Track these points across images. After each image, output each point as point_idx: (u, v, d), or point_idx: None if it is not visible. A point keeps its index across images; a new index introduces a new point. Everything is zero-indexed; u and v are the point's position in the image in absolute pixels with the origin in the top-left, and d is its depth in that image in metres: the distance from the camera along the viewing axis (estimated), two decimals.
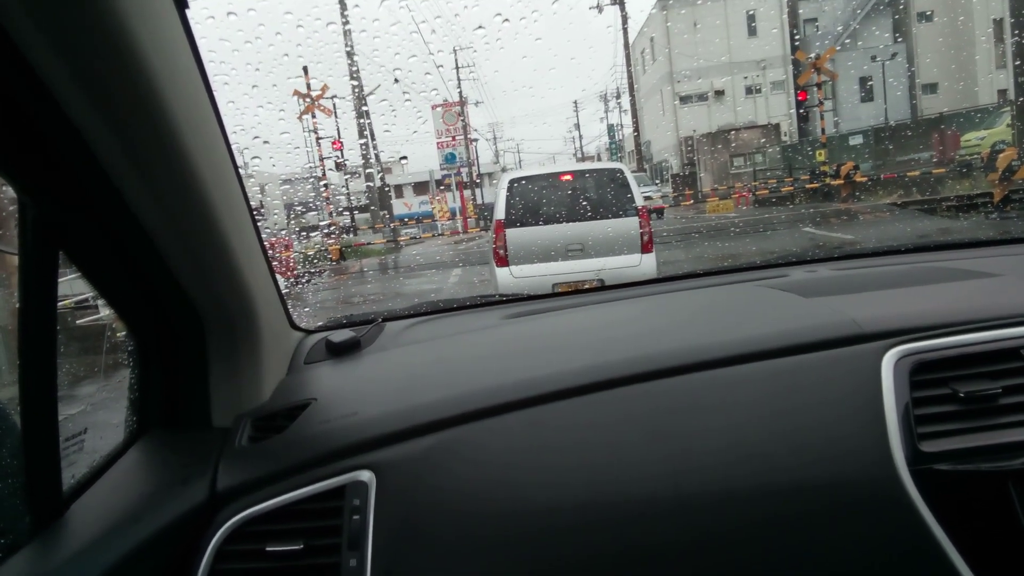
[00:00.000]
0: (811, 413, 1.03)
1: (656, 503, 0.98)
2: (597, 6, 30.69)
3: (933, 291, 1.37)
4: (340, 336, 1.52)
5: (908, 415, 0.98)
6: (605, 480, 1.00)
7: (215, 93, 1.00)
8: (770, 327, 1.23)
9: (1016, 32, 13.45)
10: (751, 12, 34.46)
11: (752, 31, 34.69)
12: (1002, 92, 27.50)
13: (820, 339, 1.13)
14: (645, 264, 6.49)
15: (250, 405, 1.27)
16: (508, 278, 6.50)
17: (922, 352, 1.05)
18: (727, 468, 0.99)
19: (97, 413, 1.33)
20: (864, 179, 18.45)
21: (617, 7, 30.22)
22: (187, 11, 0.90)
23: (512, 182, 6.92)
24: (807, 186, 19.80)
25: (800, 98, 25.39)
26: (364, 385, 1.37)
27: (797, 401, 1.05)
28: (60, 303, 0.94)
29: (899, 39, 32.07)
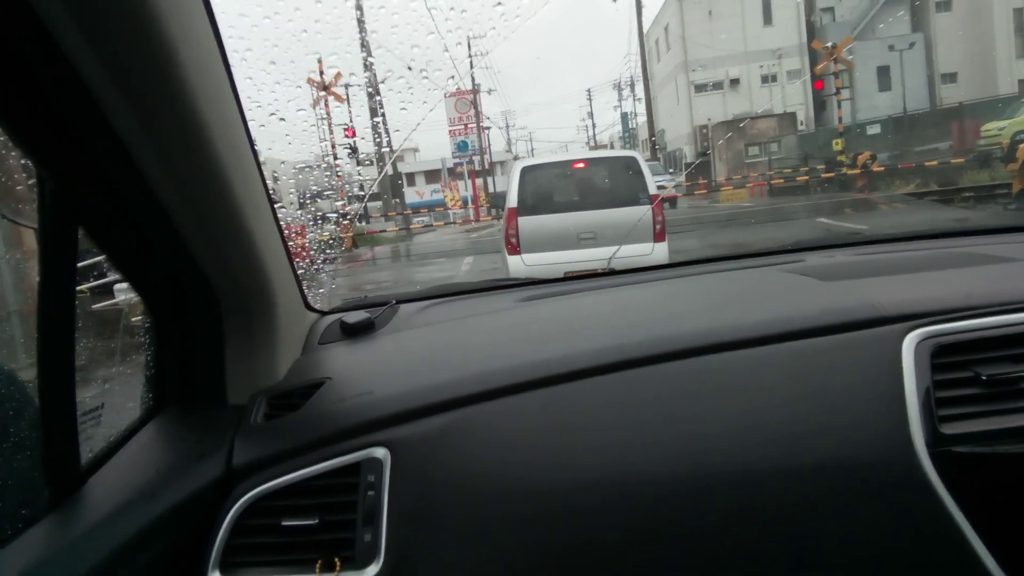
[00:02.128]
0: (830, 395, 1.02)
1: (672, 484, 0.97)
2: None
3: (953, 275, 1.35)
4: (354, 317, 1.52)
5: (929, 397, 0.97)
6: (620, 460, 1.00)
7: (233, 69, 1.00)
8: (788, 309, 1.21)
9: None
10: (767, 0, 34.07)
11: (768, 19, 34.29)
12: (1023, 82, 27.08)
13: (840, 321, 1.12)
14: (657, 253, 6.46)
15: (265, 384, 1.28)
16: (520, 266, 6.50)
17: (943, 335, 1.03)
18: (744, 449, 0.98)
19: (114, 389, 1.34)
20: (881, 169, 18.24)
21: None
22: None
23: (525, 170, 6.91)
24: (823, 176, 19.60)
25: (816, 87, 25.08)
26: (378, 365, 1.37)
27: (816, 383, 1.04)
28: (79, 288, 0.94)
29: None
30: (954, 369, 1.00)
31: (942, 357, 1.01)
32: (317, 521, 1.01)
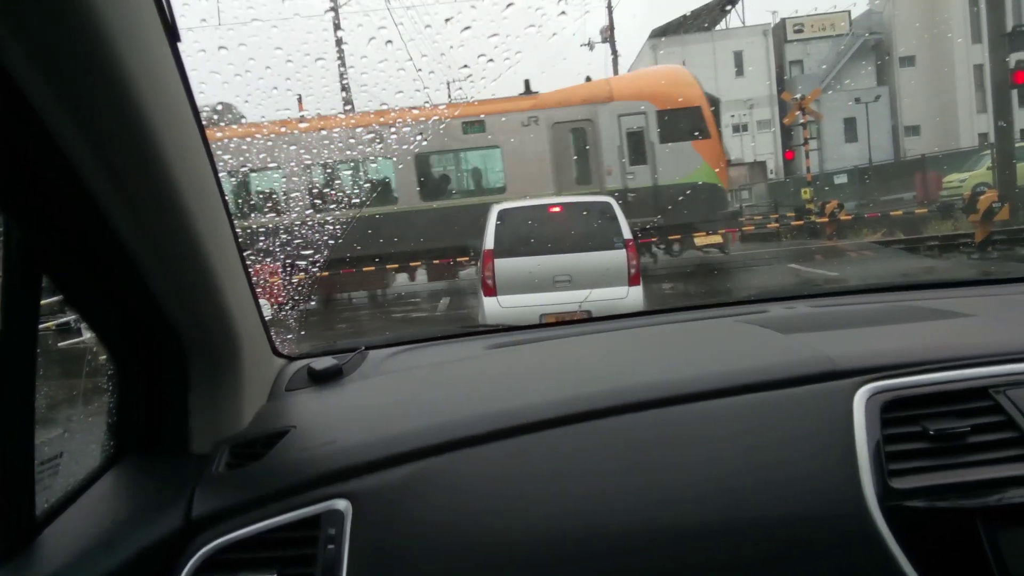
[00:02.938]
0: (785, 448, 1.04)
1: (632, 536, 0.98)
2: (588, 43, 31.23)
3: (907, 330, 1.39)
4: (322, 364, 1.52)
5: (879, 452, 1.00)
6: (583, 512, 1.01)
7: (204, 124, 1.02)
8: (747, 362, 1.24)
9: (996, 77, 13.86)
10: (738, 52, 35.16)
11: (740, 71, 35.36)
12: (983, 135, 28.15)
13: (795, 375, 1.15)
14: (632, 297, 6.53)
15: (229, 431, 1.27)
16: (496, 308, 6.51)
17: (893, 390, 1.07)
18: (702, 502, 1.00)
19: (74, 437, 1.32)
20: (848, 217, 18.69)
21: (607, 45, 30.76)
22: (179, 44, 0.92)
23: (501, 212, 6.98)
24: (792, 223, 20.01)
25: (787, 157, 25.75)
26: (344, 413, 1.37)
27: (772, 436, 1.06)
28: (41, 325, 0.94)
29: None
30: (903, 424, 1.04)
31: (892, 412, 1.04)
32: (276, 575, 1.00)
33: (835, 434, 1.03)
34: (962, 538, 0.94)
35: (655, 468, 1.04)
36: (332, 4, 16.98)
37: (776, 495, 0.99)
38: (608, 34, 30.42)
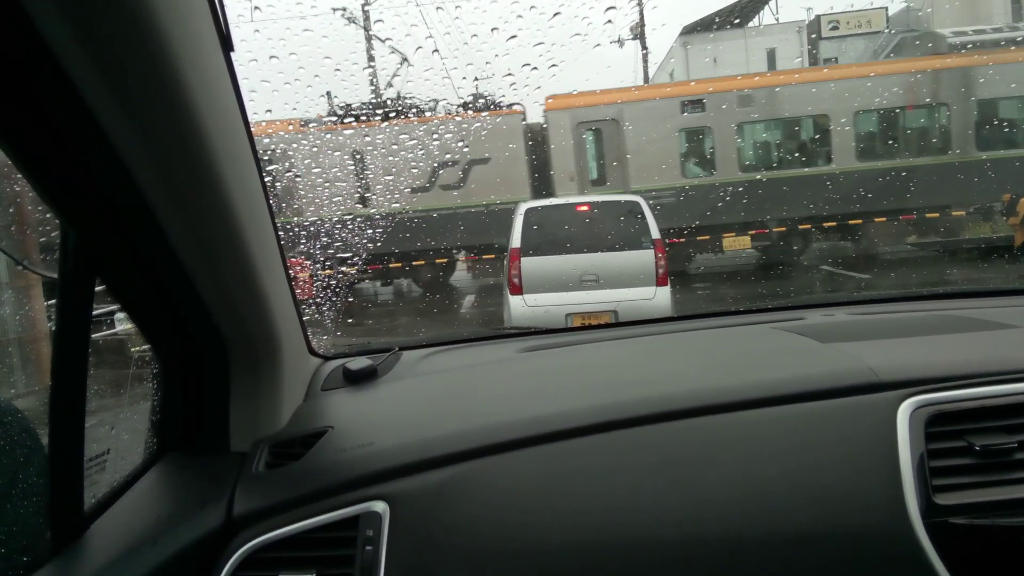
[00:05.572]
0: (826, 461, 1.03)
1: (670, 547, 0.98)
2: (618, 40, 31.01)
3: (951, 341, 1.37)
4: (357, 364, 1.54)
5: (923, 467, 0.98)
6: (617, 523, 1.00)
7: (253, 130, 1.04)
8: (786, 372, 1.23)
9: None
10: (771, 49, 34.57)
11: (772, 68, 34.76)
12: None
13: (836, 386, 1.13)
14: (660, 297, 6.47)
15: (268, 431, 1.29)
16: (522, 307, 6.50)
17: (938, 403, 1.05)
18: (740, 514, 0.99)
19: (120, 433, 1.35)
20: (883, 219, 18.31)
21: (637, 41, 30.53)
22: (232, 54, 0.94)
23: (528, 211, 6.96)
24: (825, 224, 19.64)
25: None
26: (380, 414, 1.38)
27: (812, 448, 1.05)
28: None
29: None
30: (948, 438, 1.02)
31: (936, 426, 1.03)
32: (315, 575, 1.01)
33: (878, 448, 1.02)
34: (1007, 556, 0.93)
35: (693, 478, 1.04)
36: (365, 19, 17.24)
37: (817, 509, 0.98)
38: (639, 31, 30.19)
